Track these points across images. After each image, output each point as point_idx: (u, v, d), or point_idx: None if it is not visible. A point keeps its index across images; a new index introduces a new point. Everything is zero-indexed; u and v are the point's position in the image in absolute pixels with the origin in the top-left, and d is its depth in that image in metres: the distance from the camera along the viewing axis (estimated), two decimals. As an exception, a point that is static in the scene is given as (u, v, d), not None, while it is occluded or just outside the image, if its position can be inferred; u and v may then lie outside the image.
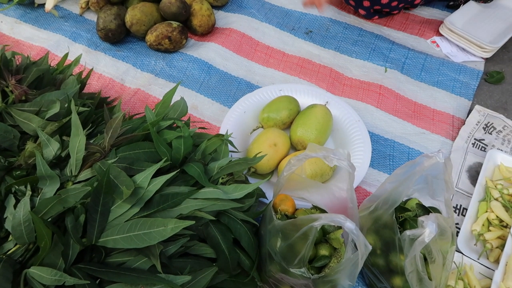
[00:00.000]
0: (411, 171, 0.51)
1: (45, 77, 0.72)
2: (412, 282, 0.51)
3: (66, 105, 0.66)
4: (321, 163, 0.68)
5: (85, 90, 0.89)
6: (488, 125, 0.86)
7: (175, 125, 0.67)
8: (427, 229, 0.45)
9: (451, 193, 0.54)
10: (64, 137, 0.60)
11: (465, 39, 1.01)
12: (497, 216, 0.70)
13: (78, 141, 0.56)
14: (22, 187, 0.55)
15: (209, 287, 0.55)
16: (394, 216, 0.54)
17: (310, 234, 0.47)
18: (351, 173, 0.53)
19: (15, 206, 0.52)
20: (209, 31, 1.03)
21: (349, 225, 0.45)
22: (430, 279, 0.51)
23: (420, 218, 0.46)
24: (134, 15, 0.95)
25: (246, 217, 0.59)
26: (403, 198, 0.53)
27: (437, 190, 0.57)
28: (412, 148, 0.82)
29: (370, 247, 0.46)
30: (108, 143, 0.58)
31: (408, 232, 0.47)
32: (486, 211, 0.71)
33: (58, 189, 0.54)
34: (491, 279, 0.61)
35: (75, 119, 0.56)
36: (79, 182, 0.55)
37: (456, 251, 0.67)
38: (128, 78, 0.93)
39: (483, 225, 0.70)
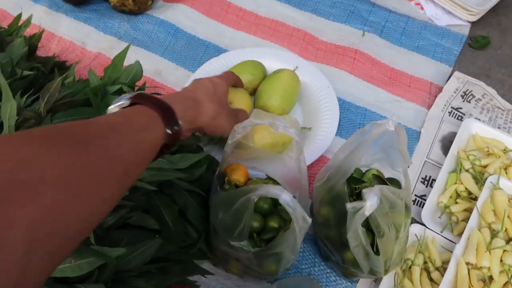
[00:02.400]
0: (361, 140, 0.48)
1: (-9, 39, 0.68)
2: (359, 257, 0.48)
3: (9, 70, 0.62)
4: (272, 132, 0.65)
5: (44, 53, 0.85)
6: (467, 92, 0.81)
7: (124, 91, 0.63)
8: (368, 201, 0.42)
9: (407, 163, 0.51)
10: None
11: (451, 1, 0.94)
12: (466, 188, 0.67)
13: (9, 106, 0.52)
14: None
15: (155, 259, 0.53)
16: (346, 187, 0.51)
17: (249, 205, 0.45)
18: (298, 142, 0.49)
19: None
20: (178, -8, 0.97)
21: (285, 197, 0.42)
22: (378, 254, 0.48)
23: (364, 190, 0.43)
24: (95, -27, 0.89)
25: (193, 188, 0.56)
26: (354, 168, 0.50)
27: (395, 161, 0.54)
28: (384, 116, 0.78)
29: (310, 220, 0.44)
30: (43, 108, 0.54)
31: (348, 205, 0.43)
32: (455, 183, 0.68)
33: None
34: (452, 252, 0.59)
35: (4, 83, 0.53)
36: (13, 149, 0.52)
37: (420, 223, 0.64)
38: (89, 41, 0.88)
39: (450, 197, 0.67)
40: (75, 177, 0.29)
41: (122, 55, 0.65)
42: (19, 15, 0.78)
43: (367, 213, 0.42)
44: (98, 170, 0.32)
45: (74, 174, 0.29)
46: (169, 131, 0.43)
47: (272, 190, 0.42)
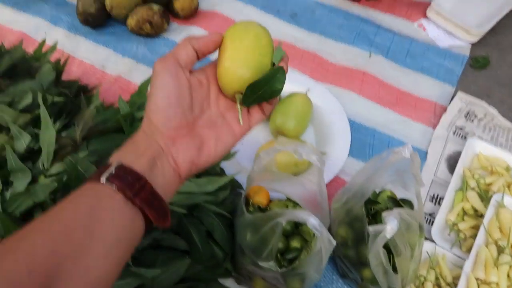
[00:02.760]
0: (379, 166, 0.52)
1: (20, 66, 0.71)
2: (378, 275, 0.52)
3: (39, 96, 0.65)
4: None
5: (65, 77, 0.88)
6: (470, 112, 0.86)
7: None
8: (389, 225, 0.45)
9: (420, 186, 0.55)
10: (37, 130, 0.60)
11: (451, 22, 0.99)
12: (472, 206, 0.71)
13: (48, 134, 0.56)
14: (-6, 181, 0.55)
15: (183, 278, 0.56)
16: (363, 209, 0.54)
17: (277, 228, 0.48)
18: (319, 167, 0.53)
19: (-14, 200, 0.53)
20: (192, 15, 1.01)
21: (312, 221, 0.45)
22: (396, 272, 0.52)
23: (383, 214, 0.47)
24: (114, -2, 0.93)
25: (219, 210, 0.59)
26: (371, 192, 0.54)
27: (408, 183, 0.57)
28: (392, 137, 0.82)
29: (334, 243, 0.47)
30: (79, 135, 0.58)
31: (370, 228, 0.47)
32: (462, 201, 0.72)
33: (31, 183, 0.54)
34: (462, 269, 0.62)
35: (44, 112, 0.56)
36: (51, 175, 0.56)
37: (430, 240, 0.68)
38: (109, 64, 0.92)
39: (458, 215, 0.71)
40: None
41: (148, 81, 0.69)
42: (44, 41, 0.81)
43: (388, 236, 0.46)
44: None
45: None
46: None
47: (299, 215, 0.46)
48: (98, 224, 0.32)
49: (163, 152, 0.37)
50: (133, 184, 0.34)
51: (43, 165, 0.56)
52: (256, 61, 0.39)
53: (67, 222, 0.31)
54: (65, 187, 0.51)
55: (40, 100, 0.58)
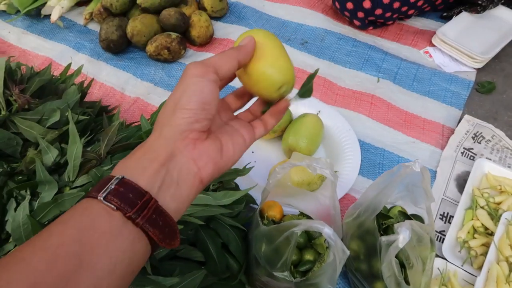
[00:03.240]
0: (390, 180, 0.54)
1: (48, 87, 0.76)
2: (391, 286, 0.53)
3: (66, 114, 0.69)
4: (308, 172, 0.71)
5: (87, 98, 0.92)
6: (477, 134, 0.88)
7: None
8: (401, 235, 0.47)
9: (431, 201, 0.56)
10: (63, 145, 0.63)
11: (457, 50, 1.03)
12: (482, 224, 0.72)
13: (75, 148, 0.59)
14: (23, 192, 0.58)
15: (198, 289, 0.57)
16: (375, 222, 0.56)
17: (292, 239, 0.50)
18: (333, 181, 0.55)
19: (15, 210, 0.56)
20: (207, 42, 1.06)
21: (327, 231, 0.47)
22: (408, 284, 0.53)
23: (396, 225, 0.49)
24: (135, 26, 0.98)
25: (234, 223, 0.61)
26: (383, 206, 0.55)
27: (418, 198, 0.59)
28: (401, 157, 0.84)
29: (348, 252, 0.49)
30: (103, 150, 0.61)
31: (383, 238, 0.49)
32: (472, 219, 0.73)
33: (56, 194, 0.57)
34: (474, 286, 0.63)
35: (72, 128, 0.60)
36: (76, 187, 0.58)
37: (441, 257, 0.69)
38: (128, 87, 0.96)
39: (468, 232, 0.72)
40: None
41: (167, 102, 0.73)
42: (69, 65, 0.86)
43: (401, 246, 0.47)
44: None
45: None
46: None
47: (315, 225, 0.48)
48: (88, 251, 0.28)
49: (182, 155, 0.35)
50: (134, 202, 0.31)
51: (69, 177, 0.59)
52: (289, 63, 0.42)
53: (52, 249, 0.28)
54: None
55: (70, 117, 0.62)
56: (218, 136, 0.39)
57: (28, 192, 0.56)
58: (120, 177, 0.32)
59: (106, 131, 0.63)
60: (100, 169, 0.57)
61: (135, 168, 0.33)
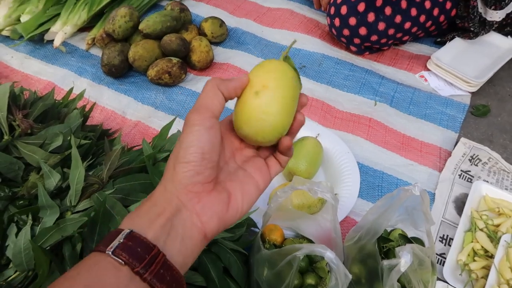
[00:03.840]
0: (390, 204, 0.54)
1: (50, 111, 0.77)
2: (393, 311, 0.53)
3: (68, 138, 0.70)
4: (308, 195, 0.71)
5: (89, 122, 0.93)
6: (474, 157, 0.89)
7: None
8: (403, 259, 0.47)
9: (431, 224, 0.57)
10: (65, 169, 0.64)
11: (451, 74, 1.06)
12: (482, 246, 0.72)
13: (77, 173, 0.59)
14: (24, 216, 0.58)
15: (199, 314, 0.57)
16: (376, 246, 0.56)
17: (294, 263, 0.50)
18: (333, 205, 0.56)
19: (16, 235, 0.56)
20: (207, 66, 1.08)
21: (329, 254, 0.47)
22: (411, 308, 0.53)
23: (397, 249, 0.49)
24: (136, 51, 1.00)
25: (236, 247, 0.61)
26: (383, 229, 0.56)
27: (418, 221, 0.60)
28: (400, 179, 0.85)
29: (350, 276, 0.49)
30: (106, 175, 0.61)
31: (385, 262, 0.49)
32: (472, 242, 0.73)
33: (58, 218, 0.57)
34: (476, 309, 0.63)
35: (74, 152, 0.60)
36: (78, 212, 0.59)
37: (442, 280, 0.69)
38: (129, 110, 0.97)
39: (468, 255, 0.72)
40: None
41: (169, 126, 0.74)
42: (71, 89, 0.87)
43: (403, 269, 0.47)
44: None
45: None
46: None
47: (317, 249, 0.48)
48: None
49: (186, 209, 0.35)
50: (143, 256, 0.31)
51: (71, 201, 0.59)
52: (288, 107, 0.38)
53: None
54: (91, 223, 0.54)
55: (72, 141, 0.63)
56: (226, 185, 0.38)
57: (30, 217, 0.56)
58: (129, 230, 0.32)
59: (108, 155, 0.64)
60: (102, 193, 0.58)
61: (142, 221, 0.34)
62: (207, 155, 0.35)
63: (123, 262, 0.31)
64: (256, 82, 0.39)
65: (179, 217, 0.34)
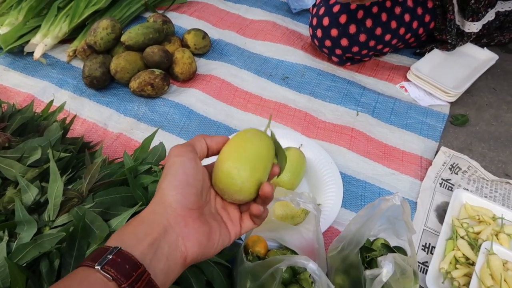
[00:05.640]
0: (371, 213, 0.55)
1: (29, 124, 0.75)
2: (376, 321, 0.53)
3: (47, 152, 0.68)
4: (291, 206, 0.71)
5: (69, 135, 0.92)
6: (454, 165, 0.91)
7: (152, 169, 0.70)
8: (385, 268, 0.47)
9: (412, 233, 0.57)
10: (43, 183, 0.63)
11: (430, 85, 1.08)
12: (463, 254, 0.73)
13: (56, 187, 0.58)
14: (0, 232, 0.56)
15: (182, 330, 0.56)
16: (359, 256, 0.57)
17: (277, 275, 0.50)
18: (316, 215, 0.56)
19: (-8, 251, 0.54)
20: (190, 78, 1.08)
21: (311, 266, 0.47)
22: (394, 318, 0.53)
23: (379, 259, 0.49)
24: (118, 63, 1.00)
25: (218, 259, 0.60)
26: (366, 239, 0.56)
27: (400, 230, 0.60)
28: (382, 189, 0.86)
29: (333, 287, 0.49)
30: (86, 188, 0.60)
31: (367, 272, 0.49)
32: (453, 249, 0.74)
33: (35, 234, 0.56)
34: (458, 317, 0.63)
35: (53, 166, 0.59)
36: (56, 227, 0.57)
37: (425, 289, 0.69)
38: (111, 122, 0.96)
39: (450, 263, 0.72)
40: None
41: (151, 138, 0.73)
42: (51, 102, 0.86)
43: (385, 279, 0.48)
44: None
45: None
46: None
47: (299, 260, 0.48)
48: None
49: (173, 231, 0.37)
50: (130, 273, 0.32)
51: (49, 216, 0.58)
52: (257, 175, 0.42)
53: None
54: (70, 238, 0.53)
55: (50, 155, 0.62)
56: (209, 221, 0.41)
57: (6, 233, 0.55)
58: (118, 248, 0.34)
59: (88, 168, 0.62)
60: (82, 207, 0.57)
61: (130, 240, 0.35)
62: (191, 179, 0.39)
63: (111, 278, 0.32)
64: (233, 146, 0.44)
65: (166, 238, 0.36)
